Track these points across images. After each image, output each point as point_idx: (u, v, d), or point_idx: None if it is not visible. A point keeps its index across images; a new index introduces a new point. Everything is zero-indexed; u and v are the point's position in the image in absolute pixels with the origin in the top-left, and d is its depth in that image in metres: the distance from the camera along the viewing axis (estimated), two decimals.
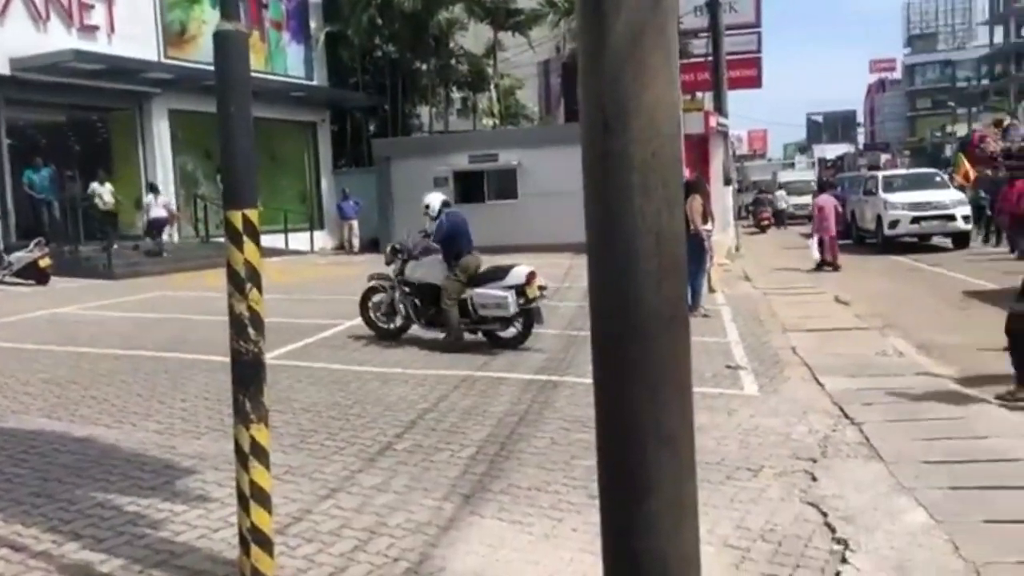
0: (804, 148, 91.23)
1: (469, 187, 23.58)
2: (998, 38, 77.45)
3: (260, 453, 3.44)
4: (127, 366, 8.69)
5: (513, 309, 8.88)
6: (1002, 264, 16.50)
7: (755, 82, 29.74)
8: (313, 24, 27.45)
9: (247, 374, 3.41)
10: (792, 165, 60.22)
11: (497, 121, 32.04)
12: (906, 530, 4.25)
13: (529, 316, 9.03)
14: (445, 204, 9.49)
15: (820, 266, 17.42)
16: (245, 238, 3.36)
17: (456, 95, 32.55)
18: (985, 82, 78.52)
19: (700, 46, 27.12)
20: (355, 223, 24.69)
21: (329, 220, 26.97)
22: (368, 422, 6.44)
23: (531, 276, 8.91)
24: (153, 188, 20.79)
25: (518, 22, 29.43)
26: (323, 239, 26.33)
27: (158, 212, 20.27)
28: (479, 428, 6.17)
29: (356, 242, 24.43)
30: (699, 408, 6.41)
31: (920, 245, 20.90)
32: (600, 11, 2.65)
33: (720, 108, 23.79)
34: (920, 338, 9.57)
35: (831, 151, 69.52)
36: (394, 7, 26.92)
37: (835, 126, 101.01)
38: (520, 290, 8.85)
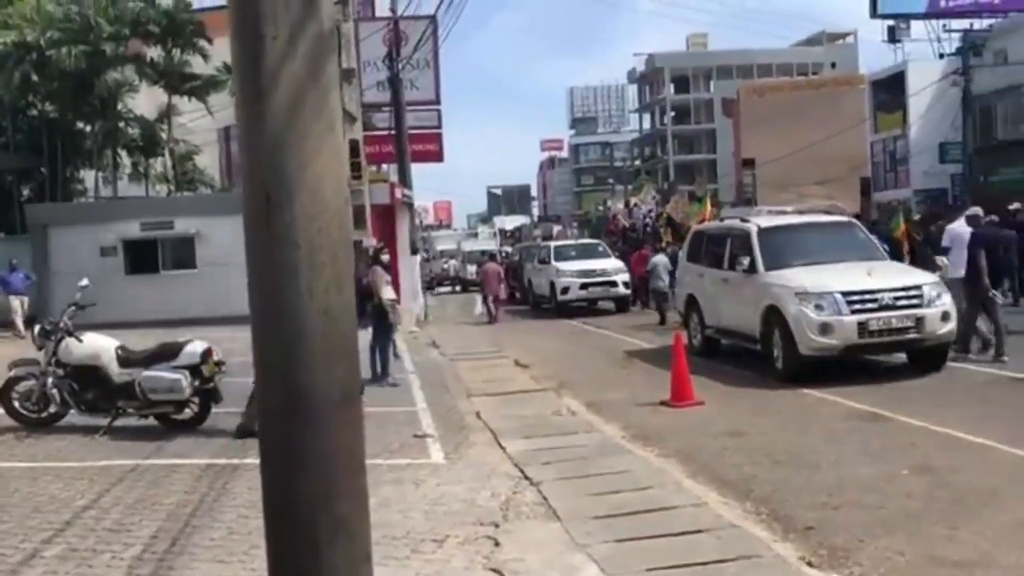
0: (486, 219, 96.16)
1: (142, 257, 22.01)
2: (647, 124, 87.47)
3: None
4: None
5: (187, 391, 8.27)
6: (640, 319, 19.73)
7: (437, 156, 31.07)
8: None
9: None
10: (476, 235, 63.19)
11: (173, 187, 30.38)
12: None
13: (207, 395, 8.47)
14: None
15: (488, 319, 21.68)
16: None
17: (126, 159, 30.45)
18: (638, 162, 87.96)
19: (384, 119, 27.82)
20: (25, 299, 21.17)
21: None
22: (11, 528, 5.62)
23: (207, 352, 8.37)
24: None
25: (195, 87, 28.31)
26: None
27: None
28: (147, 523, 5.62)
29: (19, 320, 20.88)
30: (386, 480, 6.39)
31: (588, 309, 22.63)
32: (257, 80, 2.56)
33: (405, 180, 24.44)
34: (590, 397, 10.27)
35: (510, 222, 73.85)
36: (52, 64, 24.74)
37: (513, 199, 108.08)
38: (195, 369, 8.28)
